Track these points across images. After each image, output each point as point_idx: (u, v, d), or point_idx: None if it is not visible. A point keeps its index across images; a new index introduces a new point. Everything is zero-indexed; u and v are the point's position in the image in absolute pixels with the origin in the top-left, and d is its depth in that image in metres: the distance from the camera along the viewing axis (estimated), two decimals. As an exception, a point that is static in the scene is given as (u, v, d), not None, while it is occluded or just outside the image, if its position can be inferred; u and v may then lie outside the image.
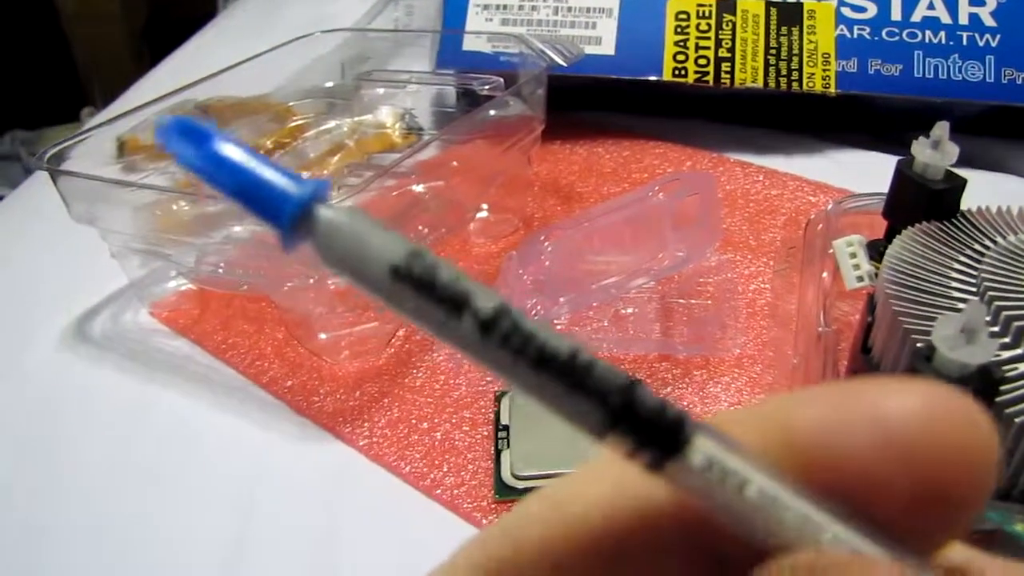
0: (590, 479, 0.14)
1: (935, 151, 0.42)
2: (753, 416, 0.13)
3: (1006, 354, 0.34)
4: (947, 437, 0.11)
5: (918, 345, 0.34)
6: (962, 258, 0.39)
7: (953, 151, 0.42)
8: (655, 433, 0.11)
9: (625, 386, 0.11)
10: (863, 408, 0.12)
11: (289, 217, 0.11)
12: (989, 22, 0.65)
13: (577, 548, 0.13)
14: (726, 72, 0.67)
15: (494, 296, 0.11)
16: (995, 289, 0.36)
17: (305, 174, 0.61)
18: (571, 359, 0.11)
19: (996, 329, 0.35)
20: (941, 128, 0.42)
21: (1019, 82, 0.64)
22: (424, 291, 0.11)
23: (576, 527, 0.14)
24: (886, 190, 0.45)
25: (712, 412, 0.46)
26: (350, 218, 0.11)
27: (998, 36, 0.65)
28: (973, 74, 0.65)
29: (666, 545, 0.13)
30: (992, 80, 0.64)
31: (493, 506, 0.42)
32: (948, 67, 0.65)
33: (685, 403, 0.47)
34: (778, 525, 0.11)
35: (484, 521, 0.42)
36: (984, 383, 0.31)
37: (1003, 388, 0.32)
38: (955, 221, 0.41)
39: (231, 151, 0.11)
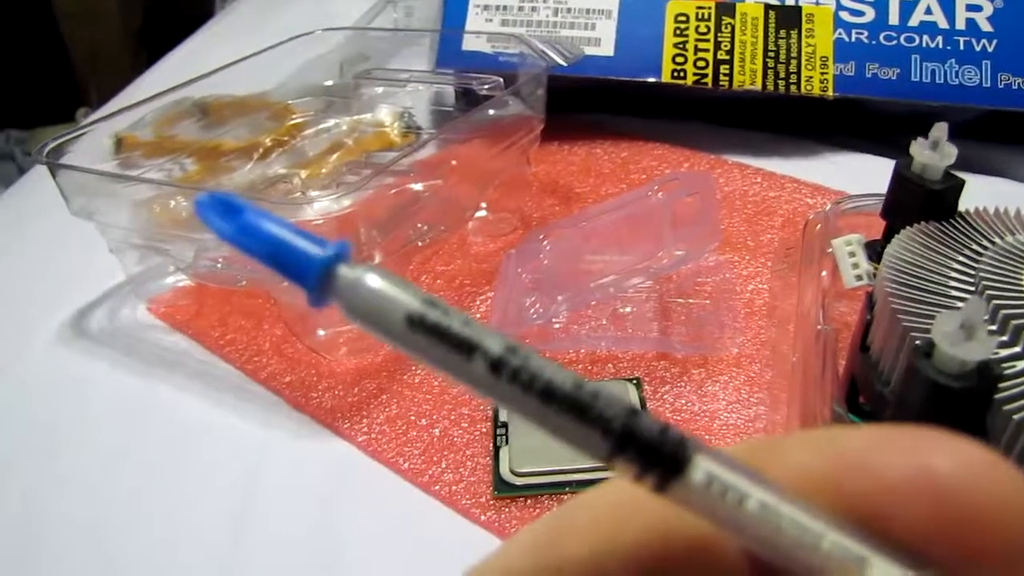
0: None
1: (934, 152, 0.42)
2: (810, 438, 0.14)
3: (1004, 352, 0.34)
4: (992, 500, 0.12)
5: (917, 342, 0.34)
6: (960, 258, 0.39)
7: (952, 152, 0.42)
8: (657, 456, 0.12)
9: (627, 414, 0.12)
10: (911, 452, 0.12)
11: (315, 279, 0.12)
12: (986, 27, 0.66)
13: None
14: (725, 74, 0.67)
15: (502, 338, 0.12)
16: (993, 288, 0.36)
17: (303, 172, 0.61)
18: (575, 391, 0.12)
19: (994, 328, 0.35)
20: (940, 129, 0.42)
21: (1015, 87, 0.64)
22: (437, 338, 0.12)
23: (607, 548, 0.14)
24: (882, 192, 0.46)
25: (711, 411, 0.46)
26: (369, 275, 0.12)
27: (995, 41, 0.65)
28: (970, 79, 0.65)
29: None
30: (989, 85, 0.65)
31: (492, 503, 0.42)
32: (945, 71, 0.65)
33: (683, 401, 0.47)
34: (778, 534, 0.12)
35: (483, 518, 0.42)
36: (983, 379, 0.31)
37: (1001, 385, 0.32)
38: (953, 221, 0.42)
39: (262, 222, 0.13)
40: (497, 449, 0.44)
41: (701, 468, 0.12)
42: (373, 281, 0.12)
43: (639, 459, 0.12)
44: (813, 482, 0.13)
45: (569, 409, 0.12)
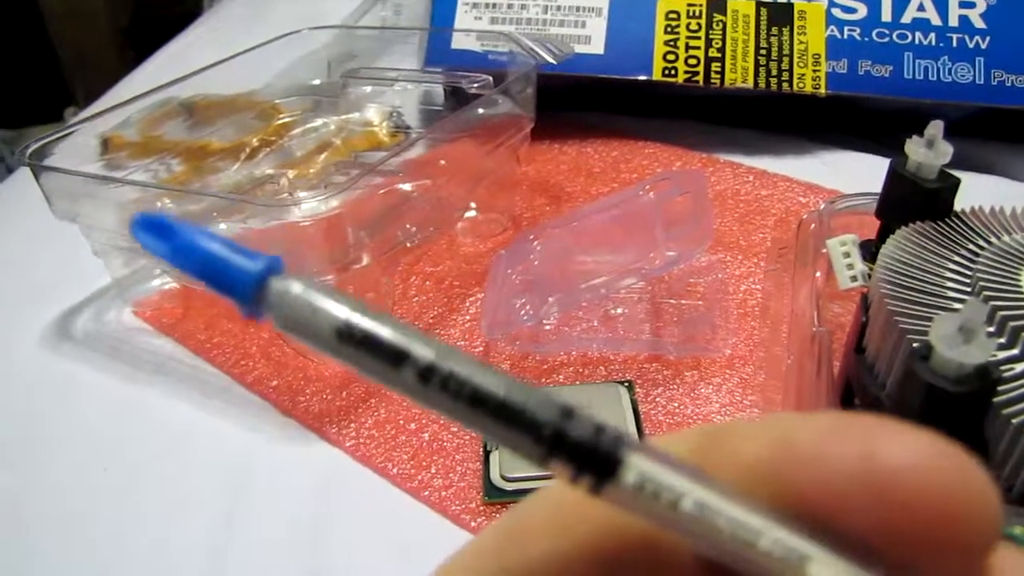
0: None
1: (929, 150, 0.42)
2: (756, 428, 0.13)
3: (1002, 354, 0.34)
4: (941, 490, 0.12)
5: (914, 345, 0.33)
6: (956, 258, 0.39)
7: (947, 150, 0.41)
8: (589, 458, 0.12)
9: (558, 416, 0.12)
10: (858, 441, 0.12)
11: (248, 292, 0.12)
12: (979, 24, 0.65)
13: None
14: (716, 72, 0.67)
15: (432, 345, 0.12)
16: (990, 289, 0.36)
17: (291, 172, 0.60)
18: (506, 398, 0.12)
19: (992, 329, 0.35)
20: (935, 127, 0.42)
21: (1008, 84, 0.64)
22: (366, 348, 0.12)
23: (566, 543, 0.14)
24: (875, 191, 0.45)
25: (704, 413, 0.46)
26: (297, 288, 0.12)
27: (988, 38, 0.65)
28: (963, 76, 0.64)
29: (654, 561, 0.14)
30: (982, 82, 0.64)
31: (482, 508, 0.42)
32: (938, 69, 0.65)
33: (676, 404, 0.46)
34: (716, 533, 0.12)
35: (473, 524, 0.41)
36: (982, 383, 0.30)
37: (1000, 388, 0.32)
38: (949, 221, 0.41)
39: (196, 240, 0.13)
40: (487, 454, 0.43)
41: (634, 469, 0.12)
42: (301, 292, 0.12)
43: (571, 461, 0.12)
44: (760, 475, 0.13)
45: (499, 415, 0.12)
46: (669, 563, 0.14)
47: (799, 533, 0.12)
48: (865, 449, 0.12)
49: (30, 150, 0.50)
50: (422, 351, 0.12)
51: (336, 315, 0.12)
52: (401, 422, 0.46)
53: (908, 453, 0.12)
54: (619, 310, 0.51)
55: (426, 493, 0.43)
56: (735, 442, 0.13)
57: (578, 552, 0.14)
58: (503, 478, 0.42)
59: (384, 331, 0.12)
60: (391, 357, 0.12)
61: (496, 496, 0.42)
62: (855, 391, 0.39)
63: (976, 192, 0.43)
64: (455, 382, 0.12)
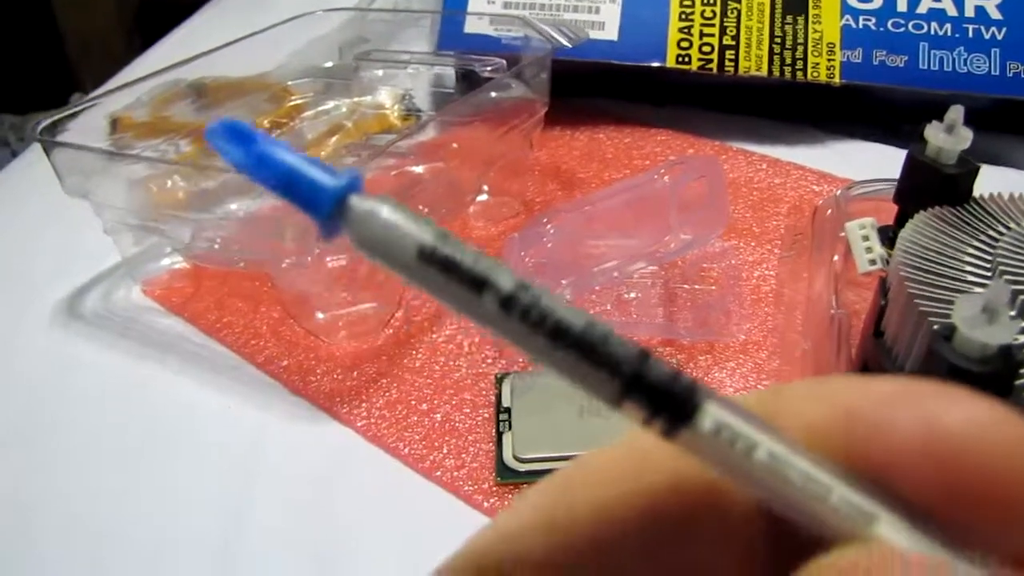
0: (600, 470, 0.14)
1: (949, 135, 0.41)
2: (820, 389, 0.13)
3: (1023, 337, 0.33)
4: (1002, 456, 0.12)
5: (935, 327, 0.33)
6: (976, 243, 0.38)
7: (967, 135, 0.41)
8: (666, 401, 0.12)
9: (637, 356, 0.12)
10: (919, 407, 0.12)
11: (326, 207, 0.12)
12: (995, 15, 0.65)
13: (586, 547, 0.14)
14: (730, 60, 0.66)
15: (513, 275, 0.12)
16: (1011, 273, 0.36)
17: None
18: (585, 332, 0.12)
19: (1012, 313, 0.34)
20: (955, 112, 0.41)
21: (1024, 76, 0.63)
22: (448, 272, 0.12)
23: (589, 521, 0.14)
24: (891, 179, 0.45)
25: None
26: (381, 206, 0.12)
27: (1004, 29, 0.64)
28: (978, 67, 0.64)
29: (694, 531, 0.14)
30: (997, 73, 0.64)
31: (494, 489, 0.41)
32: (953, 59, 0.64)
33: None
34: (786, 485, 0.12)
35: (485, 504, 0.41)
36: (1005, 363, 0.30)
37: (1022, 371, 0.32)
38: (968, 207, 0.41)
39: (274, 151, 0.12)
40: (500, 435, 0.43)
41: (711, 415, 0.12)
42: (386, 212, 0.12)
43: (648, 403, 0.12)
44: (821, 435, 0.13)
45: (579, 349, 0.12)
46: (724, 527, 0.13)
47: (866, 492, 0.12)
48: (928, 415, 0.12)
49: (41, 127, 0.50)
50: (505, 279, 0.12)
51: (420, 236, 0.12)
52: (413, 402, 0.46)
53: (970, 420, 0.12)
54: (632, 294, 0.51)
55: (438, 473, 0.42)
56: (798, 402, 0.13)
57: (632, 510, 0.13)
58: (516, 459, 0.42)
59: (468, 257, 0.12)
60: (473, 283, 0.12)
61: (509, 477, 0.41)
62: (873, 374, 0.39)
63: (991, 183, 0.43)
64: (537, 312, 0.12)
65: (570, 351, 0.12)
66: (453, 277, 0.12)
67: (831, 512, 0.12)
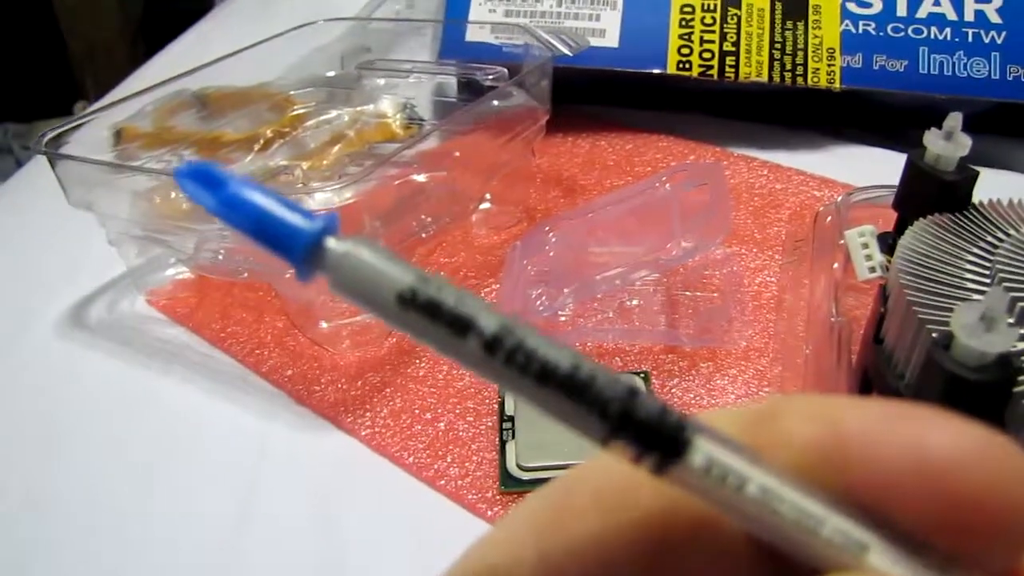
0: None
1: (948, 142, 0.41)
2: (815, 408, 0.13)
3: (1022, 345, 0.34)
4: (991, 482, 0.12)
5: (934, 335, 0.33)
6: (975, 250, 0.39)
7: (966, 142, 0.41)
8: (656, 438, 0.12)
9: (624, 395, 0.12)
10: (909, 432, 0.12)
11: (301, 252, 0.12)
12: (995, 19, 0.65)
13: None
14: (731, 66, 0.66)
15: (497, 316, 0.12)
16: (1010, 280, 0.36)
17: (305, 163, 0.60)
18: (572, 373, 0.12)
19: (1011, 320, 0.35)
20: (954, 119, 0.41)
21: (1024, 79, 0.64)
22: (430, 316, 0.12)
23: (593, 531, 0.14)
24: (891, 185, 0.45)
25: (720, 405, 0.46)
26: (358, 250, 0.12)
27: (1004, 33, 0.65)
28: (978, 71, 0.64)
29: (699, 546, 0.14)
30: (997, 77, 0.64)
31: (498, 497, 0.42)
32: (953, 64, 0.65)
33: (692, 395, 0.46)
34: (778, 519, 0.12)
35: (489, 513, 0.41)
36: (1003, 371, 0.30)
37: (1021, 379, 0.32)
38: (967, 213, 0.41)
39: (246, 193, 0.12)
40: (503, 443, 0.43)
41: (701, 451, 0.12)
42: (363, 255, 0.12)
43: (637, 442, 0.12)
44: (810, 457, 0.13)
45: (565, 391, 0.12)
46: (717, 546, 0.13)
47: (856, 521, 0.12)
48: (918, 439, 0.12)
49: (46, 139, 0.50)
50: (488, 321, 0.12)
51: (399, 279, 0.12)
52: (417, 411, 0.46)
53: (960, 445, 0.12)
54: (634, 301, 0.51)
55: (442, 482, 0.43)
56: (786, 422, 0.13)
57: (625, 533, 0.13)
58: (520, 467, 0.42)
59: (449, 298, 0.12)
60: (455, 326, 0.12)
61: (512, 485, 0.42)
62: (872, 381, 0.39)
63: (992, 187, 0.43)
64: (522, 354, 0.12)
65: (556, 393, 0.12)
66: (435, 321, 0.12)
67: (823, 544, 0.12)
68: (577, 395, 0.12)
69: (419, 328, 0.12)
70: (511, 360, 0.12)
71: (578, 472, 0.15)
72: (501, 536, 0.15)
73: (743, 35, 0.67)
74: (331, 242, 0.12)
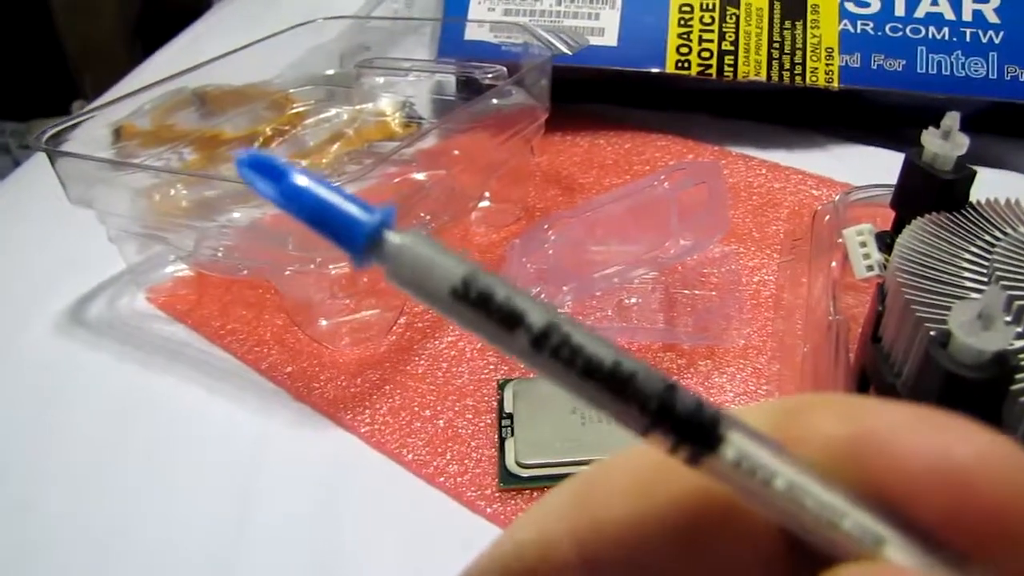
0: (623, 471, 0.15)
1: (945, 141, 0.42)
2: (842, 408, 0.14)
3: (1020, 343, 0.34)
4: (1010, 491, 0.12)
5: (932, 333, 0.34)
6: (973, 248, 0.39)
7: (963, 141, 0.41)
8: (692, 431, 0.13)
9: (663, 390, 0.12)
10: (937, 438, 0.13)
11: (361, 243, 0.12)
12: (992, 18, 0.65)
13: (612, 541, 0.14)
14: (729, 65, 0.67)
15: (545, 312, 0.12)
16: (1007, 279, 0.36)
17: (303, 162, 0.60)
18: (614, 369, 0.12)
19: (1008, 319, 0.35)
20: (951, 118, 0.42)
21: (1022, 79, 0.64)
22: (480, 309, 0.12)
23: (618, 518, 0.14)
24: (889, 184, 0.45)
25: (718, 403, 0.45)
26: (415, 243, 0.12)
27: (1001, 33, 0.65)
28: (976, 70, 0.64)
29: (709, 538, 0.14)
30: (995, 77, 0.64)
31: (497, 495, 0.42)
32: (951, 63, 0.65)
33: (690, 393, 0.46)
34: (801, 511, 0.13)
35: (488, 510, 0.41)
36: (1000, 369, 0.31)
37: (1018, 376, 0.32)
38: (965, 212, 0.41)
39: (306, 184, 0.12)
40: (502, 441, 0.43)
41: (734, 446, 0.13)
42: (420, 249, 0.12)
43: (674, 434, 0.13)
44: (836, 454, 0.13)
45: (608, 385, 0.12)
46: (747, 529, 0.14)
47: (876, 516, 0.13)
48: (944, 447, 0.12)
49: (46, 136, 0.50)
50: (537, 316, 0.12)
51: (453, 273, 0.12)
52: (416, 408, 0.46)
53: (981, 453, 0.12)
54: (633, 300, 0.51)
55: (441, 479, 0.43)
56: (813, 419, 0.14)
57: (659, 513, 0.14)
58: (519, 464, 0.42)
59: (500, 293, 0.12)
60: (505, 320, 0.12)
61: (512, 483, 0.42)
62: (870, 379, 0.39)
63: (989, 187, 0.43)
64: (568, 350, 0.12)
65: (600, 387, 0.12)
66: (486, 315, 0.12)
67: (844, 536, 0.12)
68: (619, 389, 0.12)
69: (470, 319, 0.12)
70: (557, 355, 0.12)
71: (612, 459, 0.15)
72: (534, 517, 0.15)
73: (742, 34, 0.67)
74: (389, 235, 0.12)
